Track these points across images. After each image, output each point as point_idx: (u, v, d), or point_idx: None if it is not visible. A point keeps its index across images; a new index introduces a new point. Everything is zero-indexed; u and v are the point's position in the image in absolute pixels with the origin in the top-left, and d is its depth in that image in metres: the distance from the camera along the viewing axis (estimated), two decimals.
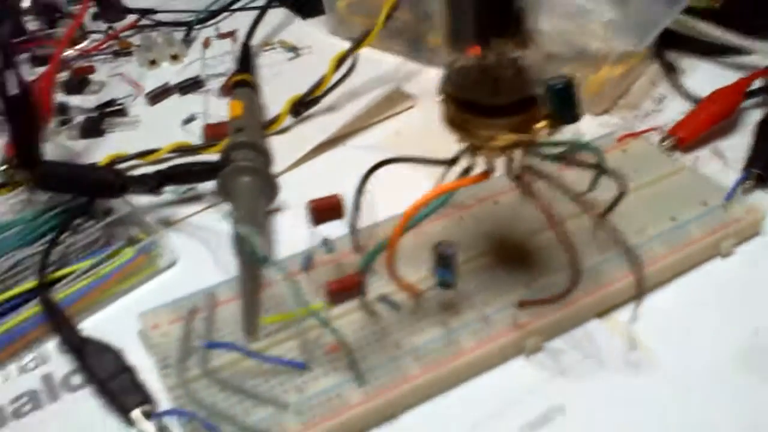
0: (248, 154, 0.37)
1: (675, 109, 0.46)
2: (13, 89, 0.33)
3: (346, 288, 0.25)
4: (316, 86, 0.43)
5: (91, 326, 0.32)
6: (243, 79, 0.44)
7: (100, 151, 0.44)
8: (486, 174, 0.27)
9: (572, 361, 0.30)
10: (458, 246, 0.28)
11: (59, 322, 0.30)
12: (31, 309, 0.31)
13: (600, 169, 0.30)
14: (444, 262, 0.28)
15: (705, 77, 0.49)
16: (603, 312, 0.32)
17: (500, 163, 0.28)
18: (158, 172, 0.36)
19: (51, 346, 0.32)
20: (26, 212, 0.37)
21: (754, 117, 0.44)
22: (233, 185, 0.35)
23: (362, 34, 0.43)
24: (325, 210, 0.29)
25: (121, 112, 0.47)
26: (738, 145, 0.42)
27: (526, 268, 0.32)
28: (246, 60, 0.49)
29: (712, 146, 0.42)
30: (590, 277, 0.32)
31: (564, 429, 0.28)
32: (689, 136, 0.41)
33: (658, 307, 0.32)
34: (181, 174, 0.36)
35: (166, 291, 0.34)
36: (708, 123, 0.42)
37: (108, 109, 0.47)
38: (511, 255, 0.33)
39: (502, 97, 0.25)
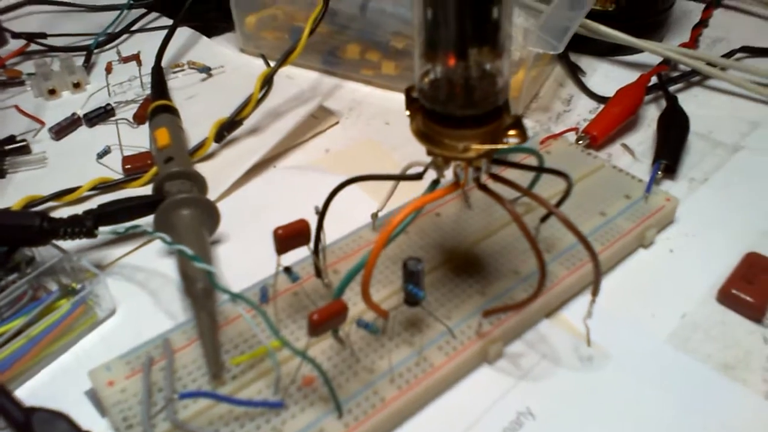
0: (184, 184, 0.36)
1: (583, 108, 0.49)
2: None
3: (330, 317, 0.24)
4: (243, 107, 0.42)
5: (28, 393, 0.30)
6: (163, 105, 0.42)
7: (5, 196, 0.41)
8: (457, 185, 0.27)
9: (531, 363, 0.31)
10: (424, 261, 0.28)
11: None
12: None
13: (542, 169, 0.32)
14: (413, 278, 0.28)
15: (604, 75, 0.53)
16: (551, 312, 0.34)
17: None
18: (90, 212, 0.34)
19: None
20: None
21: (652, 112, 0.48)
22: (174, 219, 0.33)
23: (287, 50, 0.43)
24: (292, 237, 0.28)
25: (25, 150, 0.43)
26: (643, 138, 0.46)
27: (478, 276, 0.33)
28: (161, 84, 0.46)
29: (621, 142, 0.45)
30: (536, 278, 0.33)
31: None
32: (602, 133, 0.44)
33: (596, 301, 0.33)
34: (116, 212, 0.34)
35: (109, 343, 0.32)
36: (617, 120, 0.45)
37: (8, 147, 0.43)
38: (462, 265, 0.34)
39: (477, 107, 0.25)
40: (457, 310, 0.31)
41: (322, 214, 0.30)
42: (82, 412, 0.28)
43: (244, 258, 0.35)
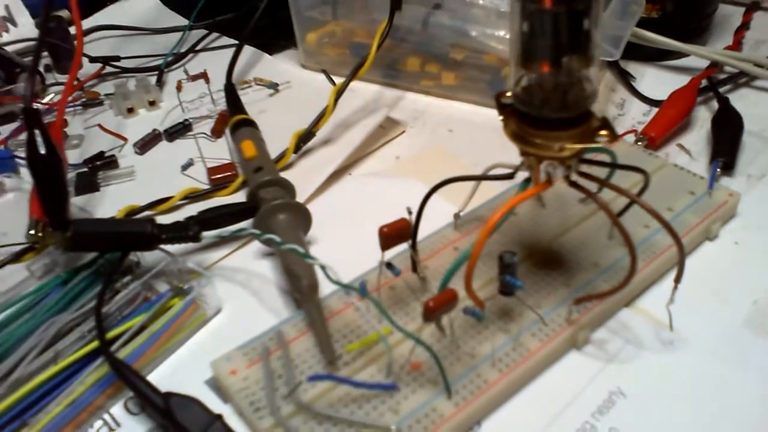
0: (276, 191, 0.38)
1: (636, 111, 0.51)
2: (41, 149, 0.32)
3: (444, 304, 0.26)
4: (318, 120, 0.45)
5: (153, 383, 0.32)
6: (244, 119, 0.45)
7: (102, 206, 0.43)
8: (548, 182, 0.30)
9: (617, 348, 0.33)
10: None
11: (134, 381, 0.30)
12: (96, 373, 0.31)
13: (623, 166, 0.34)
14: (509, 269, 0.31)
15: (653, 80, 0.55)
16: (629, 301, 0.35)
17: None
18: (192, 218, 0.36)
19: (117, 409, 0.31)
20: (53, 276, 0.36)
21: (703, 113, 0.50)
22: (272, 223, 0.36)
23: (356, 65, 0.45)
24: (396, 235, 0.30)
25: (113, 164, 0.46)
26: (696, 139, 0.47)
27: (561, 269, 0.35)
28: (236, 99, 0.49)
29: (676, 142, 0.47)
30: (617, 270, 0.35)
31: (628, 409, 0.30)
32: (659, 134, 0.46)
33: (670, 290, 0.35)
34: (217, 218, 0.37)
35: (219, 339, 0.34)
36: (673, 121, 0.47)
37: (99, 162, 0.46)
38: (544, 260, 0.36)
39: (570, 111, 0.28)
40: (545, 300, 0.33)
41: (419, 213, 0.32)
42: (203, 399, 0.30)
43: (333, 258, 0.37)
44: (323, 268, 0.30)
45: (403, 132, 0.49)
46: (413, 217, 0.32)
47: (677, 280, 0.31)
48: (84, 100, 0.53)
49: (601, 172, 0.36)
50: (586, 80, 0.29)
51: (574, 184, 0.30)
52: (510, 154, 0.31)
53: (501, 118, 0.30)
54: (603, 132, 0.28)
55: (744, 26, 0.58)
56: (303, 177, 0.44)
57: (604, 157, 0.37)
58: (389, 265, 0.32)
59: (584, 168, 0.32)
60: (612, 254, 0.36)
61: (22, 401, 0.29)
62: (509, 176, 0.32)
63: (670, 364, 0.32)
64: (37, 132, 0.33)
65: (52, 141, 0.34)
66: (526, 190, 0.30)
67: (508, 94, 0.30)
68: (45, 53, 0.57)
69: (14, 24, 0.60)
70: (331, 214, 0.42)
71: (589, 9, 0.27)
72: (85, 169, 0.45)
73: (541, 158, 0.29)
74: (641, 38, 0.53)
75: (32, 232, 0.35)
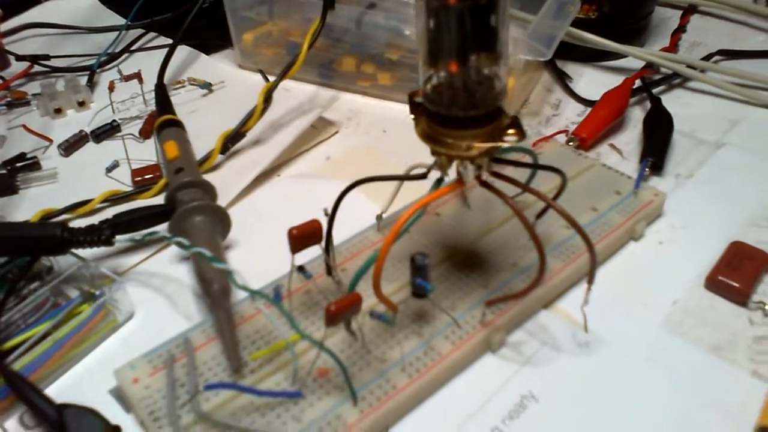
0: (195, 193, 0.37)
1: (571, 111, 0.51)
2: None
3: (346, 308, 0.26)
4: (246, 120, 0.44)
5: (55, 393, 0.31)
6: (169, 119, 0.44)
7: (20, 210, 0.42)
8: (460, 182, 0.29)
9: (532, 351, 0.33)
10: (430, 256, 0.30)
11: (27, 393, 0.28)
12: None
13: (538, 166, 0.34)
14: (421, 271, 0.30)
15: (590, 80, 0.55)
16: (548, 303, 0.35)
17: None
18: (106, 221, 0.35)
19: (12, 423, 0.30)
20: None
21: (637, 113, 0.50)
22: (188, 226, 0.35)
23: (287, 65, 0.45)
24: (306, 236, 0.30)
25: (35, 166, 0.45)
26: (629, 139, 0.48)
27: (480, 270, 0.35)
28: (165, 99, 0.48)
29: (608, 142, 0.47)
30: (535, 270, 0.35)
31: (539, 413, 0.30)
32: (591, 135, 0.46)
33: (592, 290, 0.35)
34: (131, 221, 0.36)
35: (130, 345, 0.33)
36: (605, 122, 0.47)
37: (19, 164, 0.44)
38: (464, 261, 0.35)
39: (478, 109, 0.27)
40: (461, 301, 0.33)
41: (332, 214, 0.31)
42: (107, 410, 0.29)
43: (254, 262, 0.37)
44: (230, 272, 0.29)
45: (336, 132, 0.49)
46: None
47: (590, 282, 0.31)
48: (9, 99, 0.52)
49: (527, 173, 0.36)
50: (495, 78, 0.28)
51: (485, 184, 0.30)
52: None
53: (413, 117, 0.30)
54: (511, 131, 0.28)
55: (680, 29, 0.59)
56: (229, 179, 0.43)
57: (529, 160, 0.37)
58: (301, 269, 0.32)
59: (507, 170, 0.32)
60: (532, 255, 0.36)
61: None
62: (422, 176, 0.31)
63: (584, 366, 0.32)
64: None
65: None
66: (437, 189, 0.30)
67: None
68: None
69: None
70: (256, 217, 0.41)
71: (495, 4, 0.27)
72: (4, 171, 0.44)
73: (450, 157, 0.29)
74: (578, 38, 0.53)
75: None
